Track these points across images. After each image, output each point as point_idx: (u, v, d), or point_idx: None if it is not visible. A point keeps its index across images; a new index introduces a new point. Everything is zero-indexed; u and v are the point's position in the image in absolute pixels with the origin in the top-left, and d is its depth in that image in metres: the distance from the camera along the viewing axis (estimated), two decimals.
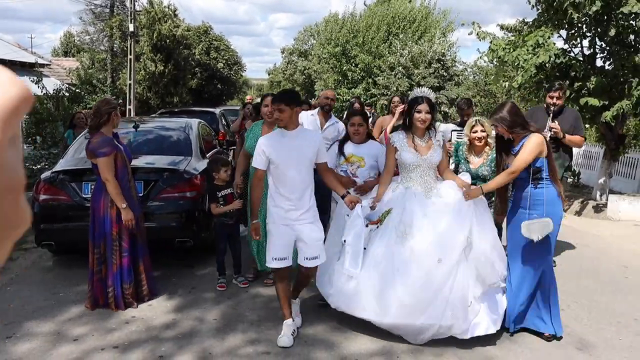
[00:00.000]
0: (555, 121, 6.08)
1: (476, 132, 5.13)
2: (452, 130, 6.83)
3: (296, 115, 4.18)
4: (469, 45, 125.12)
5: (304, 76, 51.21)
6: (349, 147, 5.08)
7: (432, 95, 4.40)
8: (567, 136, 6.11)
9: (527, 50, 11.55)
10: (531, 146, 4.12)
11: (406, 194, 4.31)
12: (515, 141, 4.26)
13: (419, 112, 4.28)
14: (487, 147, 5.20)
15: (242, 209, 5.52)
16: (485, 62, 14.59)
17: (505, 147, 4.38)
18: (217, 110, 12.73)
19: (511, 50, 12.00)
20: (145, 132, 7.04)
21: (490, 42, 12.51)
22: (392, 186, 4.46)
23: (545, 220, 4.11)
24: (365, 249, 4.19)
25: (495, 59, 12.52)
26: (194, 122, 7.55)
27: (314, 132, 4.62)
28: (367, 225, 4.24)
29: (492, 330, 4.16)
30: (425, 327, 4.02)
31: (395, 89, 25.91)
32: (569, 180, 7.16)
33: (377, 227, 4.27)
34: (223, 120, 12.41)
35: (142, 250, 5.04)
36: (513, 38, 12.57)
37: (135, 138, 6.76)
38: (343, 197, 4.26)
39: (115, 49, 29.01)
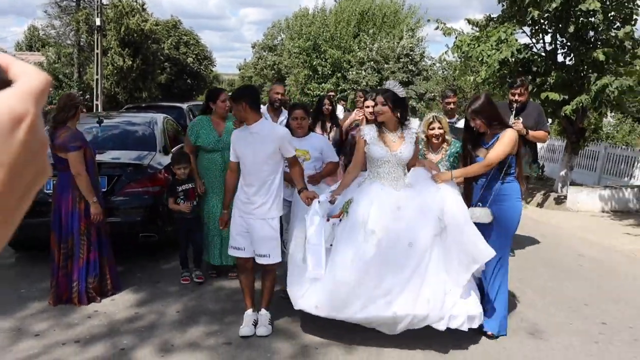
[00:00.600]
0: (520, 118, 6.01)
1: (433, 129, 4.97)
2: None
3: (250, 111, 4.19)
4: (439, 40, 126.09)
5: (273, 71, 51.14)
6: (292, 142, 4.83)
7: (398, 89, 4.19)
8: (531, 132, 6.03)
9: (491, 45, 11.78)
10: (508, 140, 4.11)
11: (372, 188, 4.15)
12: (486, 135, 4.24)
13: (368, 107, 4.30)
14: (445, 143, 5.05)
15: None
16: (450, 57, 14.83)
17: (474, 140, 4.33)
18: (184, 106, 12.67)
19: (476, 45, 12.23)
20: (109, 127, 7.02)
21: (456, 38, 12.73)
22: (358, 180, 4.35)
23: (487, 211, 4.19)
24: (331, 245, 4.07)
25: (460, 55, 12.74)
26: (159, 117, 7.54)
27: (275, 127, 4.51)
28: (328, 220, 4.11)
29: (468, 326, 4.02)
30: (400, 317, 3.90)
31: (365, 83, 26.06)
32: (534, 174, 7.06)
33: (340, 220, 4.12)
34: (191, 115, 12.35)
35: (106, 245, 5.06)
36: (478, 34, 12.79)
37: (100, 133, 6.74)
38: (300, 191, 4.25)
39: (82, 44, 28.54)
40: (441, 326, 3.95)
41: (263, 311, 4.39)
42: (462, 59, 13.17)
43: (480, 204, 4.27)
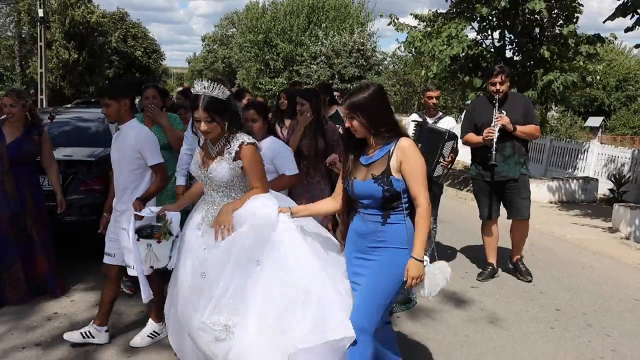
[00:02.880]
0: (501, 113, 5.23)
1: None
2: (412, 121, 5.66)
3: (127, 109, 3.87)
4: (388, 35, 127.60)
5: (224, 64, 50.66)
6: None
7: (212, 89, 3.01)
8: (519, 127, 5.24)
9: (442, 41, 12.06)
10: (417, 156, 2.77)
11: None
12: (368, 145, 2.86)
13: (196, 120, 3.12)
14: None
15: None
16: (402, 51, 15.10)
17: (354, 148, 2.91)
18: (137, 100, 12.41)
19: (427, 41, 12.49)
20: (61, 123, 6.80)
21: (408, 34, 12.95)
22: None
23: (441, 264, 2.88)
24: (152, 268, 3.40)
25: (412, 50, 12.97)
26: None
27: (140, 130, 3.89)
28: (138, 240, 3.33)
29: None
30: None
31: (317, 77, 26.15)
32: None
33: (159, 242, 3.27)
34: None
35: (42, 246, 4.95)
36: (429, 29, 13.05)
37: (51, 129, 6.52)
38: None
39: (23, 35, 27.52)
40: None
41: (150, 321, 4.15)
42: (415, 54, 13.41)
43: (361, 255, 2.91)
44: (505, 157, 5.32)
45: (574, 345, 4.21)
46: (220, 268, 2.94)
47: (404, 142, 2.78)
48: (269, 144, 4.17)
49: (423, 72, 14.55)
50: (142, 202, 3.70)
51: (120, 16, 35.20)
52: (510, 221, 5.77)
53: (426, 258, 2.79)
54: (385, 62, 29.33)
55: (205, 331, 2.93)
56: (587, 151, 12.78)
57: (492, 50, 12.22)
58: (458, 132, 5.44)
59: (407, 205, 2.79)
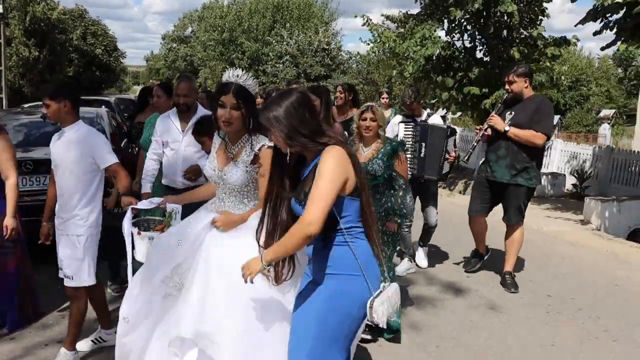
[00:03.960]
0: (512, 112, 5.07)
1: (365, 119, 4.09)
2: (400, 122, 5.70)
3: (68, 110, 3.60)
4: (345, 34, 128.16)
5: (185, 62, 50.11)
6: (108, 148, 3.87)
7: (245, 79, 2.89)
8: (512, 130, 4.98)
9: (416, 42, 12.40)
10: (330, 170, 2.28)
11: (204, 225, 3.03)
12: (308, 157, 2.46)
13: (221, 105, 2.87)
14: (379, 138, 4.16)
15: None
16: (373, 52, 15.43)
17: (283, 166, 2.49)
18: (112, 99, 12.32)
19: (400, 42, 12.83)
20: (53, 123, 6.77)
21: (380, 34, 13.26)
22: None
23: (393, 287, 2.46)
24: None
25: (386, 50, 13.28)
26: (103, 111, 7.38)
27: (89, 133, 3.69)
28: (139, 233, 3.23)
29: None
30: None
31: (283, 76, 26.28)
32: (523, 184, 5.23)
33: (160, 233, 3.21)
34: (119, 109, 12.06)
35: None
36: (402, 30, 13.38)
37: (43, 129, 6.49)
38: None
39: None
40: None
41: (62, 350, 3.75)
42: (388, 54, 13.70)
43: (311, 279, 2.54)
44: (499, 157, 5.19)
45: (570, 328, 4.55)
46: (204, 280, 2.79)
47: (326, 150, 2.32)
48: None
49: (394, 72, 14.93)
50: (130, 195, 3.54)
51: (79, 13, 34.46)
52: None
53: (383, 285, 2.41)
54: (350, 62, 29.66)
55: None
56: (551, 148, 13.34)
57: (464, 51, 12.61)
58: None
59: (349, 225, 2.36)
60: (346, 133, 5.30)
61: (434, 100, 13.97)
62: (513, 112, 5.08)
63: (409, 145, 5.39)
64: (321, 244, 2.39)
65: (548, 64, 12.35)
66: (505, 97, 5.12)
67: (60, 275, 3.75)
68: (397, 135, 5.44)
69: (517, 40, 12.17)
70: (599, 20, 8.34)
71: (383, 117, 4.18)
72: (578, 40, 12.58)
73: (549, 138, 5.26)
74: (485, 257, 5.89)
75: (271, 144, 2.69)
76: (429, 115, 5.80)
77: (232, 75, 2.91)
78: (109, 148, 3.73)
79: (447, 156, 5.36)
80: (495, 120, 5.11)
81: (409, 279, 5.53)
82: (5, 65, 21.95)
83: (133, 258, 3.33)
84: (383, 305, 2.33)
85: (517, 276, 5.72)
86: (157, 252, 3.10)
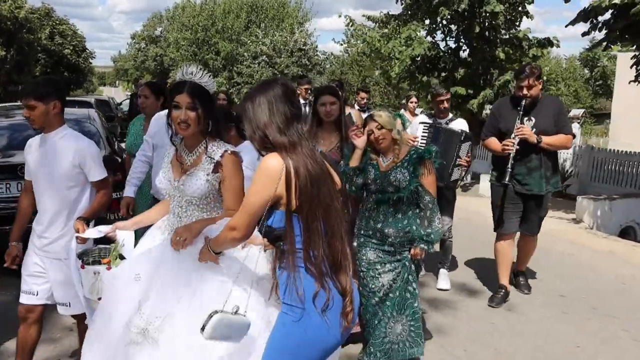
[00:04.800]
0: (531, 119, 4.69)
1: (371, 132, 3.52)
2: (420, 122, 5.38)
3: (56, 112, 3.14)
4: (319, 34, 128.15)
5: (155, 62, 49.39)
6: (98, 160, 3.43)
7: (201, 77, 2.57)
8: (545, 139, 4.62)
9: (401, 42, 12.43)
10: (255, 179, 2.13)
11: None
12: None
13: (175, 106, 2.54)
14: (397, 145, 3.54)
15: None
16: (341, 52, 15.43)
17: None
18: (92, 100, 12.00)
19: (385, 42, 12.84)
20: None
21: (365, 35, 13.27)
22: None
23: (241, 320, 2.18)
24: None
25: (369, 51, 13.26)
26: (94, 113, 7.15)
27: (78, 139, 3.21)
28: (82, 266, 2.77)
29: None
30: None
31: (259, 77, 26.08)
32: (550, 190, 4.97)
33: (109, 268, 2.72)
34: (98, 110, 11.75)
35: None
36: (385, 30, 13.40)
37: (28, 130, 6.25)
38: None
39: None
40: None
41: None
42: (372, 55, 13.70)
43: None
44: (531, 169, 4.75)
45: (589, 327, 4.56)
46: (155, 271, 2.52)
47: (265, 157, 2.14)
48: (248, 149, 3.07)
49: (377, 72, 14.96)
50: (84, 221, 3.04)
51: (46, 12, 33.56)
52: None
53: (229, 308, 2.16)
54: (324, 62, 29.67)
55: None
56: None
57: (449, 51, 12.69)
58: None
59: (287, 245, 2.10)
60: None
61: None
62: (533, 119, 4.69)
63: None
64: (277, 265, 2.16)
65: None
66: (524, 103, 4.63)
67: (28, 301, 3.27)
68: (415, 138, 5.12)
69: (500, 41, 12.29)
70: (589, 21, 8.44)
71: (389, 120, 3.51)
72: (558, 41, 12.78)
73: (574, 137, 5.03)
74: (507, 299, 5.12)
75: (233, 149, 2.58)
76: (450, 120, 5.43)
77: (187, 72, 2.56)
78: (101, 159, 3.27)
79: (458, 162, 4.94)
80: (526, 131, 4.61)
81: (421, 282, 5.46)
82: None
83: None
84: (220, 322, 2.11)
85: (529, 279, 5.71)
86: (113, 290, 2.60)
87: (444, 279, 5.41)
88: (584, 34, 9.01)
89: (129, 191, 4.25)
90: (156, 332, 2.39)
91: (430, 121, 5.32)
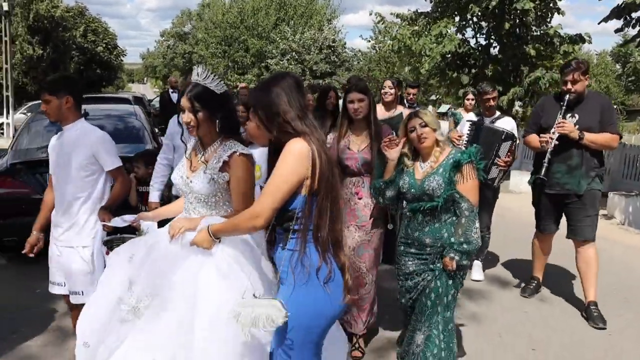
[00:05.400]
0: (575, 116, 4.50)
1: (413, 129, 3.25)
2: (467, 120, 5.36)
3: (68, 107, 3.31)
4: (346, 30, 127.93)
5: (184, 60, 50.06)
6: (113, 149, 3.55)
7: (205, 78, 2.58)
8: (588, 135, 4.42)
9: (431, 39, 12.53)
10: (284, 166, 2.22)
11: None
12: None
13: (181, 109, 2.62)
14: (438, 148, 3.26)
15: None
16: (369, 48, 15.56)
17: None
18: (130, 97, 12.38)
19: (415, 39, 12.96)
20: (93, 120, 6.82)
21: (397, 32, 13.41)
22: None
23: (273, 303, 2.22)
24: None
25: (402, 48, 13.39)
26: (137, 108, 7.47)
27: (92, 131, 3.40)
28: (107, 253, 2.97)
29: None
30: None
31: None
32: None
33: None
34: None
35: None
36: (416, 28, 13.52)
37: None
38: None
39: None
40: None
41: None
42: (403, 52, 13.82)
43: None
44: (571, 167, 4.57)
45: (622, 321, 4.64)
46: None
47: (288, 145, 2.23)
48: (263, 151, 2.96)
49: (407, 69, 15.08)
50: (107, 210, 3.27)
51: (79, 11, 34.34)
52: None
53: (252, 295, 2.24)
54: (353, 59, 29.82)
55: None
56: None
57: (479, 48, 12.76)
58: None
59: (301, 226, 2.23)
60: (393, 132, 4.81)
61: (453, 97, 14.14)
62: (576, 115, 4.49)
63: (463, 146, 4.92)
64: (282, 245, 2.28)
65: (561, 61, 12.51)
66: (567, 98, 4.47)
67: (57, 291, 3.48)
68: (459, 136, 5.13)
69: (531, 38, 12.32)
70: (622, 18, 8.46)
71: (434, 120, 3.28)
72: (590, 37, 12.73)
73: (620, 138, 4.77)
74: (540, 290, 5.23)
75: (244, 150, 2.60)
76: (497, 118, 5.32)
77: (194, 74, 2.61)
78: (114, 149, 3.43)
79: (497, 161, 4.89)
80: (568, 127, 4.44)
81: None
82: (11, 63, 21.92)
83: None
84: (247, 309, 2.17)
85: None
86: (111, 267, 2.78)
87: (478, 270, 5.55)
88: (617, 31, 9.04)
89: (154, 196, 4.39)
90: (146, 309, 2.52)
91: (476, 119, 5.32)
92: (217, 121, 2.58)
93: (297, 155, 2.18)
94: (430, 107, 10.95)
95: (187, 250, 2.48)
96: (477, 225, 3.14)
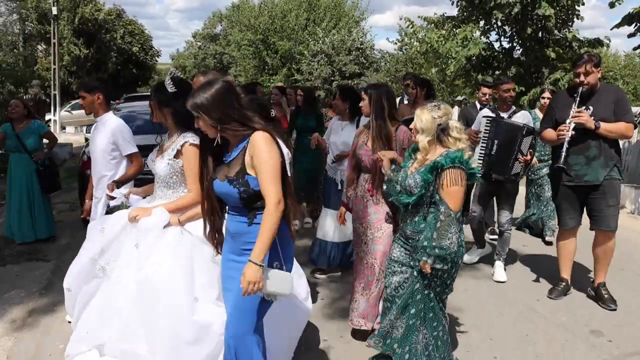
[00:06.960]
0: (590, 108, 4.53)
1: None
2: (484, 117, 5.37)
3: (99, 102, 4.22)
4: (376, 33, 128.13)
5: (215, 60, 51.28)
6: (129, 136, 4.49)
7: (166, 81, 3.27)
8: (604, 125, 4.46)
9: (457, 43, 13.38)
10: (268, 155, 2.55)
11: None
12: (232, 143, 2.68)
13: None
14: (432, 147, 3.25)
15: None
16: (396, 50, 16.34)
17: (212, 148, 2.69)
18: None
19: (442, 42, 13.82)
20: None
21: (425, 35, 14.27)
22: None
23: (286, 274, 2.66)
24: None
25: (429, 50, 14.26)
26: None
27: (114, 121, 4.26)
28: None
29: None
30: None
31: (318, 75, 27.25)
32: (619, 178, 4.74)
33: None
34: None
35: None
36: (443, 32, 14.36)
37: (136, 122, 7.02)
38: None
39: (27, 32, 28.04)
40: None
41: None
42: (430, 54, 14.67)
43: (234, 257, 2.77)
44: (589, 159, 4.59)
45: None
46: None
47: (255, 135, 2.56)
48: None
49: (433, 70, 15.93)
50: (116, 184, 3.89)
51: (117, 13, 35.81)
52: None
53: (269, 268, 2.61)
54: (382, 60, 30.58)
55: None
56: None
57: (503, 51, 13.56)
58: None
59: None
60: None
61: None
62: (591, 107, 4.53)
63: (482, 142, 5.14)
64: (247, 222, 2.62)
65: None
66: (580, 90, 4.51)
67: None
68: (477, 133, 5.25)
69: (552, 42, 13.08)
70: (633, 25, 9.20)
71: (428, 126, 3.19)
72: (609, 41, 13.43)
73: (635, 127, 4.75)
74: (568, 292, 5.17)
75: (194, 141, 3.17)
76: (513, 112, 5.36)
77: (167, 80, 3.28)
78: (131, 137, 4.24)
79: (519, 156, 4.95)
80: (585, 117, 4.45)
81: (476, 271, 5.82)
82: (58, 64, 23.32)
83: None
84: (275, 277, 2.58)
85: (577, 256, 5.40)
86: (89, 235, 3.52)
87: (500, 271, 5.47)
88: (629, 36, 9.77)
89: None
90: (112, 271, 3.26)
91: (492, 115, 5.29)
92: (172, 116, 3.27)
93: (270, 143, 2.57)
94: (455, 107, 11.75)
95: (145, 233, 3.16)
96: (454, 230, 3.05)
